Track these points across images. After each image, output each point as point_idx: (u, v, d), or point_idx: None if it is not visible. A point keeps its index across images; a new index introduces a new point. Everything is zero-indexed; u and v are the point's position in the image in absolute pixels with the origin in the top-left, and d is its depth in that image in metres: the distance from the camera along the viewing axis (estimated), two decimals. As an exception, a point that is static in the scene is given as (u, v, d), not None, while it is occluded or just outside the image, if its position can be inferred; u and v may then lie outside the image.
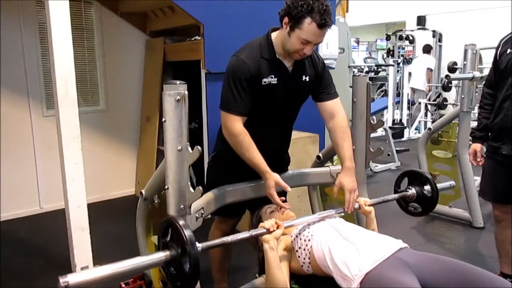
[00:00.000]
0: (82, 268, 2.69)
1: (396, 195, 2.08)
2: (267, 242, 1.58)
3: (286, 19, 1.76)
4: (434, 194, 2.01)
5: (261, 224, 1.62)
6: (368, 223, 1.90)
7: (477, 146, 2.45)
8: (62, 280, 1.08)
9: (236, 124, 1.81)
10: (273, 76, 1.86)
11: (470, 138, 2.61)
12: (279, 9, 1.80)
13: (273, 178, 1.79)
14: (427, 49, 7.99)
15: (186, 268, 1.26)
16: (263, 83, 1.84)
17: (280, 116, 2.00)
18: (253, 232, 1.58)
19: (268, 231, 1.58)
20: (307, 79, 1.95)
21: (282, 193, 2.05)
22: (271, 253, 1.58)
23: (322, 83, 2.00)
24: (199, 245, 1.30)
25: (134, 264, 1.23)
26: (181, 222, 1.29)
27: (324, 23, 1.71)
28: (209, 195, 1.74)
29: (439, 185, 2.03)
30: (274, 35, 1.89)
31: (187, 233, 1.26)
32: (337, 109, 1.99)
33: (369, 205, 1.89)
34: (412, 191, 2.05)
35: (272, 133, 2.01)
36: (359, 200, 1.90)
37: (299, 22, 1.72)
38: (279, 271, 1.59)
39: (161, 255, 1.31)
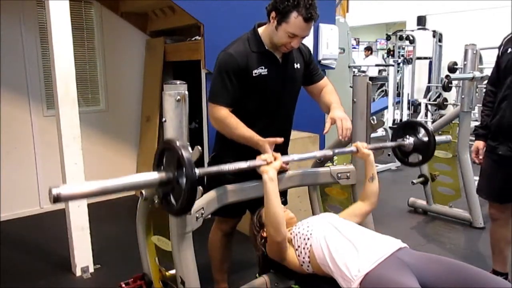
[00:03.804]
0: (82, 268, 2.71)
1: (393, 143, 2.11)
2: (266, 173, 1.56)
3: (273, 14, 1.83)
4: (431, 139, 2.02)
5: (258, 156, 1.61)
6: (367, 168, 1.90)
7: (480, 144, 2.44)
8: (55, 191, 1.04)
9: (221, 111, 1.87)
10: (263, 67, 1.90)
11: (473, 136, 2.61)
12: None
13: (267, 141, 1.82)
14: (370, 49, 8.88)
15: (183, 187, 1.21)
16: (253, 74, 1.89)
17: (277, 108, 2.01)
18: (251, 163, 1.56)
19: (267, 163, 1.57)
20: (299, 66, 2.02)
21: (281, 193, 2.04)
22: (270, 183, 1.56)
23: (310, 68, 2.10)
24: (196, 171, 1.25)
25: (127, 182, 1.20)
26: (178, 143, 1.24)
27: (310, 17, 1.78)
28: (209, 195, 1.73)
29: (436, 138, 2.06)
30: (261, 29, 1.95)
31: (186, 154, 1.21)
32: (325, 84, 2.13)
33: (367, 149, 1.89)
34: (409, 140, 2.08)
35: (271, 128, 2.01)
36: (356, 144, 1.89)
37: (285, 16, 1.79)
38: (279, 203, 1.57)
39: (156, 175, 1.27)
